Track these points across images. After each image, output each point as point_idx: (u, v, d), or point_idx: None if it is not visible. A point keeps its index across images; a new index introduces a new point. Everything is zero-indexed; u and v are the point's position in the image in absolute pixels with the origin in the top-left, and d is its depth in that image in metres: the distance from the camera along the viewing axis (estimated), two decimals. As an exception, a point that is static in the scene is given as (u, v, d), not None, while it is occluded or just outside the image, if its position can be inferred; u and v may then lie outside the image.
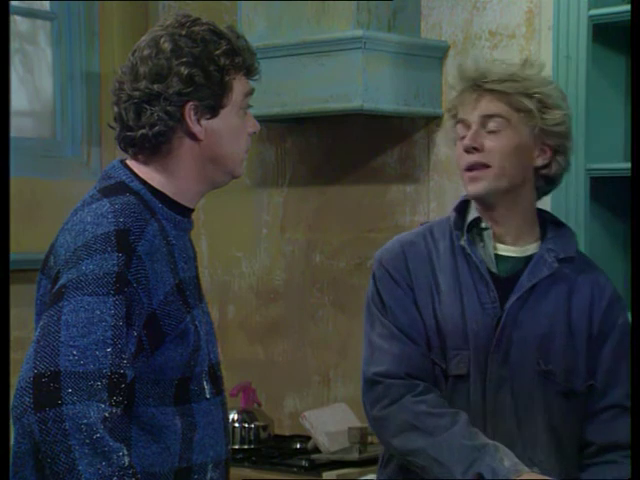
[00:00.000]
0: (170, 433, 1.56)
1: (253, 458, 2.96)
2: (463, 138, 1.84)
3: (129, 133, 1.60)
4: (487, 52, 3.00)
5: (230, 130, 1.63)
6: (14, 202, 3.16)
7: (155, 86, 1.57)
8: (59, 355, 1.43)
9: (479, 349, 1.82)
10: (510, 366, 1.83)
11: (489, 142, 1.82)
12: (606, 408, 1.85)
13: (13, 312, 3.08)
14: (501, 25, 2.98)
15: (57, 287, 1.50)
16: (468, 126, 1.84)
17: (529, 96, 1.83)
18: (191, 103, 1.59)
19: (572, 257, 1.89)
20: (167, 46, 1.58)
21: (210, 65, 1.59)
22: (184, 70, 1.57)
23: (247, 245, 3.39)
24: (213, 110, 1.61)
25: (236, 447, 3.04)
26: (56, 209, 3.10)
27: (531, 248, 1.89)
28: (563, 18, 2.74)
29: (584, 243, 2.75)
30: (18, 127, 3.41)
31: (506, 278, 1.86)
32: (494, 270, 1.86)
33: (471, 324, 1.83)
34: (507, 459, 1.74)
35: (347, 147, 3.17)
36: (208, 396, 1.62)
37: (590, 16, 2.67)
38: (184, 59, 1.58)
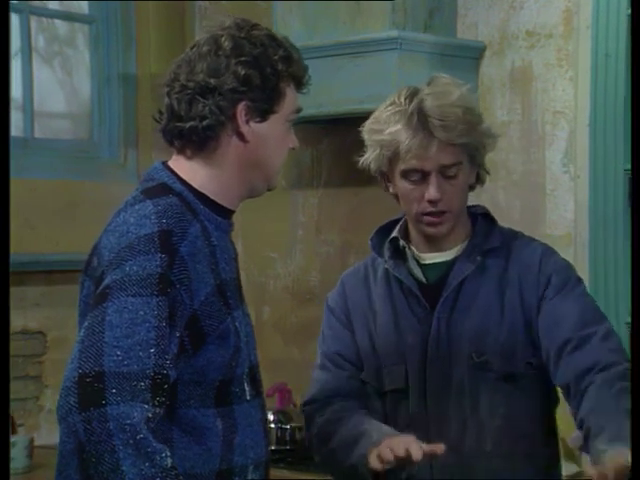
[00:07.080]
0: (211, 435, 1.56)
1: (289, 459, 2.97)
2: (414, 179, 1.85)
3: (178, 124, 1.60)
4: (524, 52, 2.98)
5: (276, 137, 1.64)
6: (51, 203, 3.20)
7: (212, 80, 1.58)
8: (103, 355, 1.44)
9: (416, 359, 1.87)
10: (448, 367, 1.86)
11: (449, 187, 1.85)
12: (561, 349, 1.82)
13: (50, 312, 3.13)
14: (538, 24, 2.95)
15: (101, 288, 1.51)
16: (424, 172, 1.84)
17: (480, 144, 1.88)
18: (244, 103, 1.60)
19: (496, 247, 1.90)
20: (227, 44, 1.59)
21: (267, 68, 1.60)
22: (241, 70, 1.58)
23: (282, 246, 3.39)
24: (264, 114, 1.61)
25: (272, 448, 3.03)
26: (93, 210, 3.11)
27: (459, 248, 1.91)
28: (602, 16, 2.71)
29: (623, 244, 2.73)
30: (56, 129, 3.44)
31: (436, 284, 1.89)
32: (423, 280, 1.90)
33: (406, 337, 1.89)
34: (382, 435, 1.79)
35: (383, 148, 3.16)
36: (248, 398, 1.62)
37: (630, 14, 2.64)
38: (243, 58, 1.58)
